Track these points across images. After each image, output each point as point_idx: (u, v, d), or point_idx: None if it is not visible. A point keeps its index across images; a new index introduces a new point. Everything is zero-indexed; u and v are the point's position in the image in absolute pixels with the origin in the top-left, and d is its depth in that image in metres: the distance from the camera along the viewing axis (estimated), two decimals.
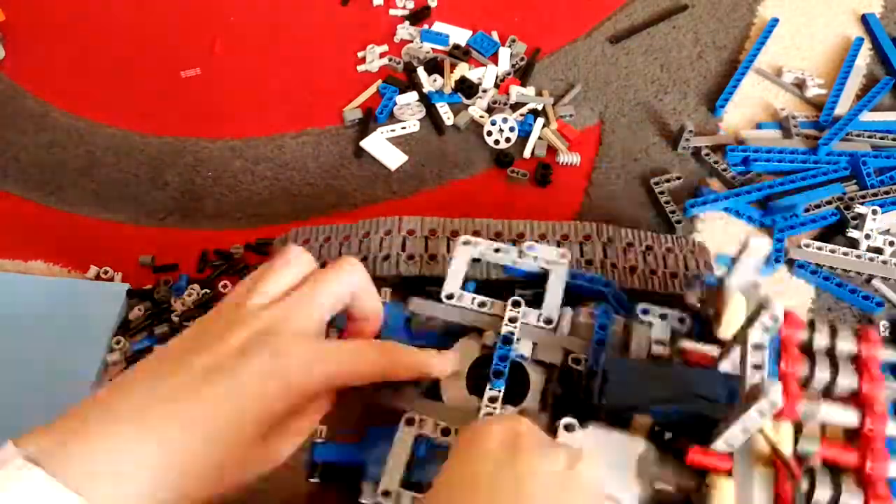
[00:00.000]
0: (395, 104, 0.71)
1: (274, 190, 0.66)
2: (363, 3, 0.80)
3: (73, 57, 0.76)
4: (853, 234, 0.60)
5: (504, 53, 0.74)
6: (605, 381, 0.39)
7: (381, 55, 0.75)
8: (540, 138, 0.68)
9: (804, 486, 0.37)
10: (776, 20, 0.77)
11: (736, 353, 0.39)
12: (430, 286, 0.48)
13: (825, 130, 0.67)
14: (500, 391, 0.41)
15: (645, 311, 0.44)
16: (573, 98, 0.71)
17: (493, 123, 0.67)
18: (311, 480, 0.42)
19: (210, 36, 0.77)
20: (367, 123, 0.70)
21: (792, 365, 0.40)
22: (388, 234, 0.51)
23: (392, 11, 0.79)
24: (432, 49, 0.75)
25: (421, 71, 0.73)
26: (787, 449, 0.37)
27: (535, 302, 0.45)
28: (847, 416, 0.39)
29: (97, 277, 0.60)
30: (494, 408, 0.40)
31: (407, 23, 0.78)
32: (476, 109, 0.70)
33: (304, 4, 0.80)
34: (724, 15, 0.79)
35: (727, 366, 0.40)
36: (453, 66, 0.73)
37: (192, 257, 0.62)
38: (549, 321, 0.44)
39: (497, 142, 0.68)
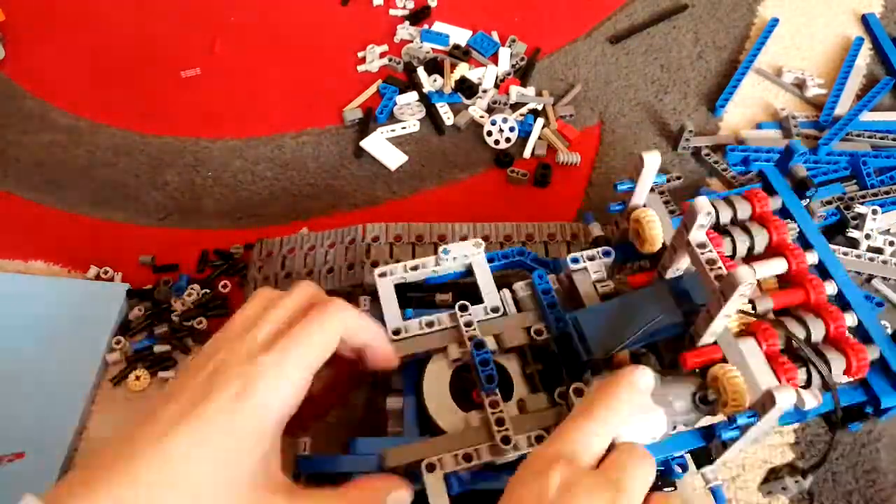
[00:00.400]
0: (395, 104, 0.71)
1: (274, 190, 0.66)
2: (363, 3, 0.80)
3: (73, 57, 0.76)
4: (853, 234, 0.60)
5: (504, 53, 0.74)
6: (583, 337, 0.40)
7: (381, 55, 0.75)
8: (540, 138, 0.68)
9: (780, 341, 0.41)
10: (776, 20, 0.77)
11: (678, 259, 0.42)
12: (410, 292, 0.48)
13: (825, 130, 0.67)
14: (497, 394, 0.41)
15: (575, 260, 0.45)
16: (573, 98, 0.71)
17: (493, 123, 0.67)
18: None
19: (210, 36, 0.77)
20: (367, 123, 0.70)
21: (717, 245, 0.43)
22: (352, 243, 0.51)
23: (392, 11, 0.79)
24: (432, 49, 0.75)
25: (421, 71, 0.73)
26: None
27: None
28: (778, 265, 0.44)
29: (97, 277, 0.60)
30: (500, 411, 0.40)
31: (407, 23, 0.78)
32: (476, 109, 0.70)
33: (304, 4, 0.80)
34: (724, 15, 0.79)
35: (671, 273, 0.43)
36: (453, 66, 0.73)
37: (192, 257, 0.62)
38: (496, 309, 0.45)
39: (497, 142, 0.68)
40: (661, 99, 0.72)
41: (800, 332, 0.42)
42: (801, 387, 0.40)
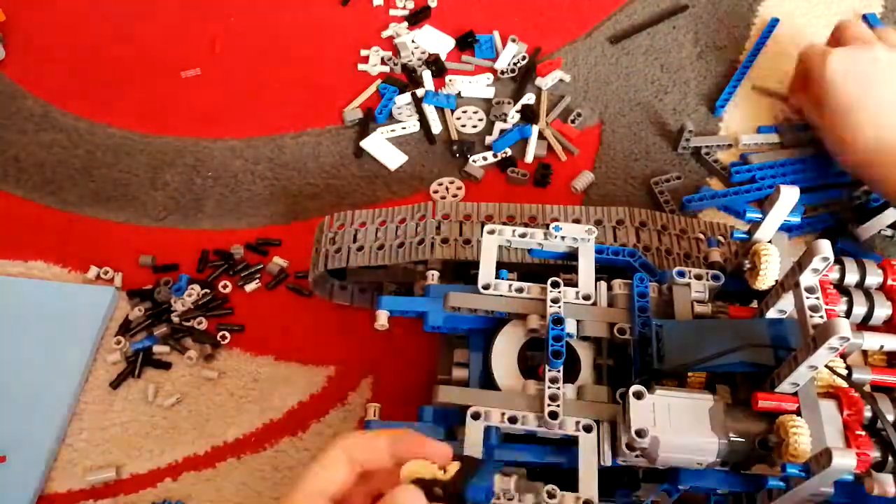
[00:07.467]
0: (395, 104, 0.71)
1: (274, 190, 0.66)
2: (363, 3, 0.80)
3: (73, 57, 0.76)
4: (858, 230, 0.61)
5: (506, 52, 0.74)
6: (661, 345, 0.41)
7: (383, 61, 0.74)
8: (542, 138, 0.68)
9: (867, 412, 0.38)
10: (776, 20, 0.77)
11: (783, 300, 0.40)
12: (475, 270, 0.48)
13: None
14: (559, 371, 0.42)
15: (681, 274, 0.45)
16: (563, 109, 0.71)
17: (465, 112, 0.68)
18: None
19: (210, 36, 0.77)
20: (367, 123, 0.70)
21: (832, 303, 0.41)
22: (423, 220, 0.52)
23: (392, 11, 0.79)
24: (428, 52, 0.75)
25: (426, 74, 0.73)
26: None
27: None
28: (892, 342, 0.41)
29: (97, 277, 0.61)
30: (557, 388, 0.41)
31: (402, 24, 0.77)
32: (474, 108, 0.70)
33: (304, 4, 0.80)
34: (724, 15, 0.79)
35: (773, 313, 0.41)
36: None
37: (192, 257, 0.62)
38: (587, 297, 0.45)
39: (464, 125, 0.68)
40: (661, 99, 0.72)
41: (890, 415, 0.39)
42: (872, 466, 0.37)
